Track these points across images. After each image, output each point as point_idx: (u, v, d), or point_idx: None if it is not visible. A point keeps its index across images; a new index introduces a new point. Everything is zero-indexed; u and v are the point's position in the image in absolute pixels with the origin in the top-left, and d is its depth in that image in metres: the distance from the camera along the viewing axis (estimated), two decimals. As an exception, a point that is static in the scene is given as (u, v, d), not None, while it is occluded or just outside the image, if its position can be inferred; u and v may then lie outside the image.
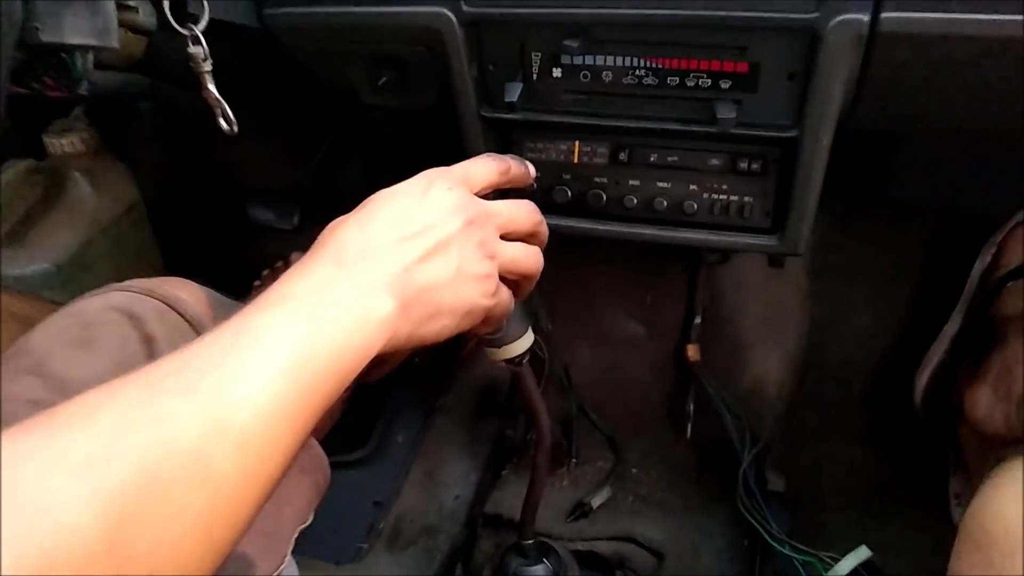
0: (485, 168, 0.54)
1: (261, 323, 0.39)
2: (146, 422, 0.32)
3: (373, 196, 0.49)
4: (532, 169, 0.59)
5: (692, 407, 1.11)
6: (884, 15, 0.57)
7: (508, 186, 0.57)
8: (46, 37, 0.51)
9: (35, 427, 0.31)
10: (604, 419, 1.15)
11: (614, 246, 1.12)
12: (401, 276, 0.45)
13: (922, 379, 1.10)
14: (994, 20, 0.55)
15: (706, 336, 1.13)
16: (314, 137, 1.28)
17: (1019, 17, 0.54)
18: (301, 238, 1.23)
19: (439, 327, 0.48)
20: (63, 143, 1.17)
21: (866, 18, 0.57)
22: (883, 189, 1.08)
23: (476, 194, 0.52)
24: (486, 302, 0.50)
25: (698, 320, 1.13)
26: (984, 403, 0.97)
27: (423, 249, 0.46)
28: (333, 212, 0.49)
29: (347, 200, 0.50)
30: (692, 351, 1.12)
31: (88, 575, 0.29)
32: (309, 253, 0.46)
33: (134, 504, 0.30)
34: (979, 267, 1.13)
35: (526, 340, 0.64)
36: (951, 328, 1.11)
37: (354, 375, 0.41)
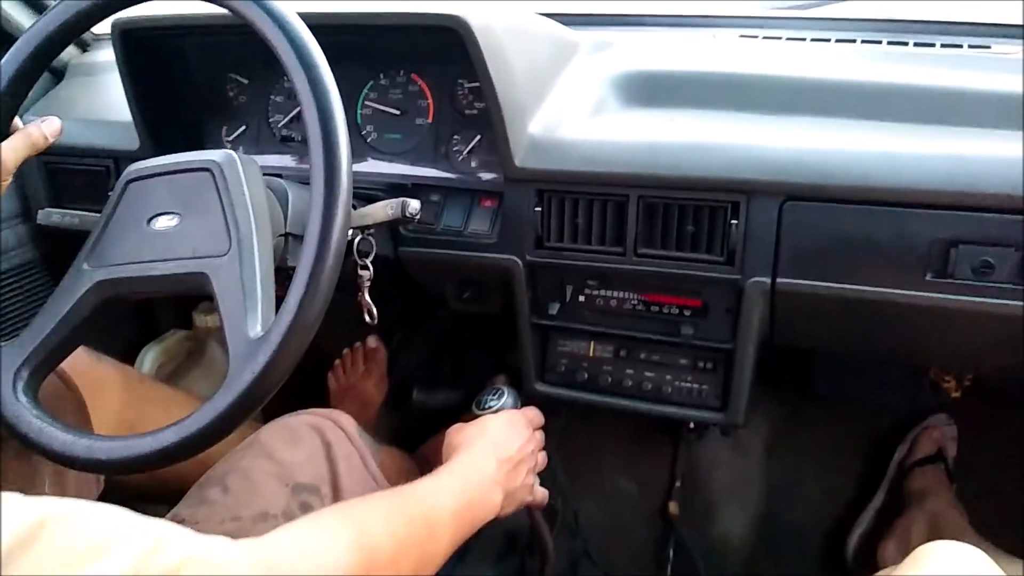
0: (536, 415, 1.02)
1: (446, 482, 0.79)
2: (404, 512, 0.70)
3: (486, 419, 0.96)
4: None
5: (672, 552, 1.41)
6: (779, 280, 0.95)
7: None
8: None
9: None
10: (604, 559, 1.45)
11: (617, 421, 1.48)
12: (504, 478, 0.86)
13: (853, 539, 1.41)
14: (843, 288, 0.93)
15: (685, 496, 1.45)
16: (391, 327, 1.68)
17: (853, 286, 0.92)
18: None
19: (510, 508, 0.89)
20: (207, 319, 1.57)
21: (768, 280, 0.96)
22: (813, 388, 1.45)
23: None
24: (529, 497, 0.94)
25: (678, 483, 1.46)
26: (890, 556, 1.28)
27: (514, 463, 0.90)
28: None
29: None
30: (673, 507, 1.44)
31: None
32: (456, 447, 0.90)
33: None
34: (898, 456, 1.47)
35: None
36: (877, 500, 1.44)
37: (479, 525, 0.81)
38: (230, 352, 0.71)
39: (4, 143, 0.82)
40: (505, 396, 1.02)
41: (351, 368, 1.65)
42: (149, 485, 1.04)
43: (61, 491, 0.91)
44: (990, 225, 0.84)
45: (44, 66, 0.86)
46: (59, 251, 0.84)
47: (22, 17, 1.27)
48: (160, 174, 0.83)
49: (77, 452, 0.72)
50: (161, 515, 0.81)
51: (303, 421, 0.94)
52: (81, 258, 0.82)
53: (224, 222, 0.78)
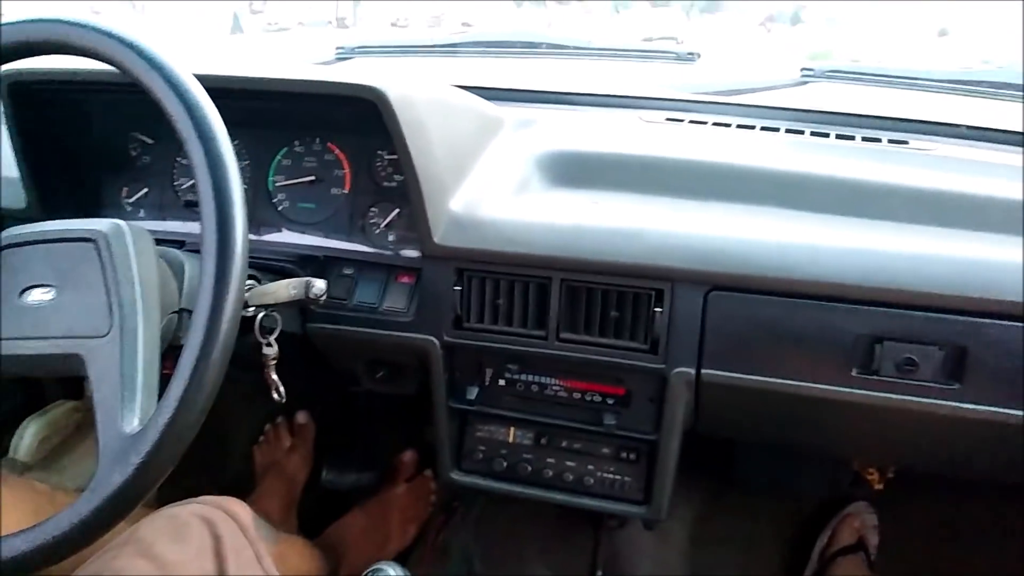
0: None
1: None
2: None
3: None
4: None
5: (592, 648, 1.34)
6: (703, 371, 0.92)
7: None
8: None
9: None
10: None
11: (537, 508, 1.42)
12: None
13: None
14: (768, 381, 0.90)
15: (606, 587, 1.39)
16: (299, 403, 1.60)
17: (778, 380, 0.90)
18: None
19: None
20: (100, 389, 1.45)
21: (692, 371, 0.93)
22: (732, 475, 1.42)
23: None
24: None
25: (599, 574, 1.40)
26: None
27: None
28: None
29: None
30: (594, 599, 1.37)
31: None
32: None
33: None
34: (819, 545, 1.45)
35: None
36: (800, 590, 1.40)
37: None
38: (100, 448, 0.63)
39: None
40: None
41: (276, 443, 1.58)
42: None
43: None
44: (913, 322, 0.83)
45: None
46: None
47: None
48: (38, 242, 0.76)
49: None
50: None
51: (192, 512, 0.85)
52: None
53: (107, 299, 0.70)
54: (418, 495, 1.52)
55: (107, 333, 0.68)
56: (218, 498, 0.89)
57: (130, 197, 1.12)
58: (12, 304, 0.73)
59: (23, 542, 0.62)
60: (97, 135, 1.11)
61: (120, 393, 0.65)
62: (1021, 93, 1.11)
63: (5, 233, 0.77)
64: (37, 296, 0.73)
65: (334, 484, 1.56)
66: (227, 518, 0.86)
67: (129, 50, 0.68)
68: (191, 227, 1.09)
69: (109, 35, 0.68)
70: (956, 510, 1.43)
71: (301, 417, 1.60)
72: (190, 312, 0.84)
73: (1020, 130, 1.05)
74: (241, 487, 1.45)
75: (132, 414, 0.64)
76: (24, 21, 0.69)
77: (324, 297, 0.81)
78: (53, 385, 1.48)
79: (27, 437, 1.35)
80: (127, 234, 0.74)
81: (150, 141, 1.12)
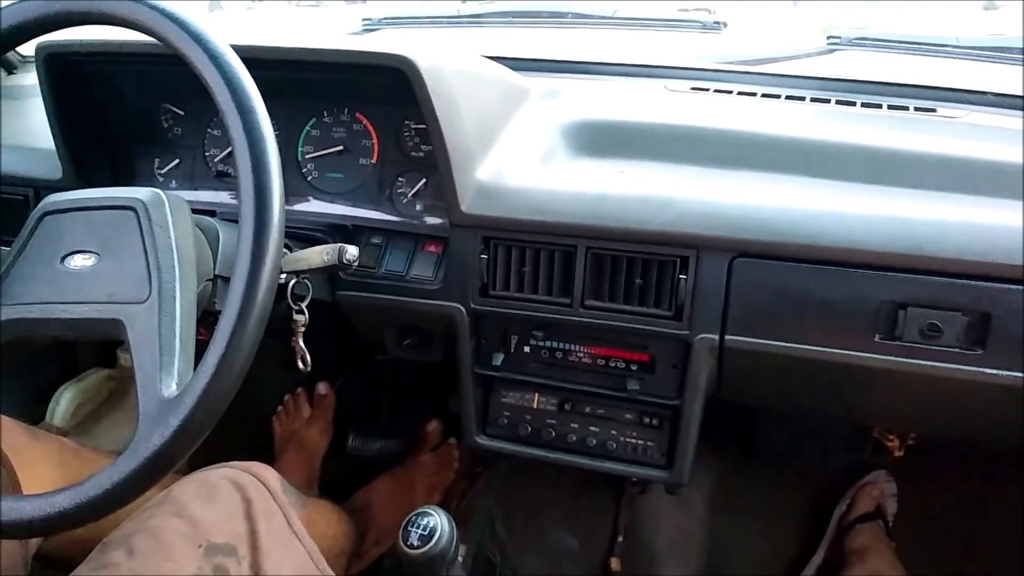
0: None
1: None
2: None
3: None
4: None
5: (614, 610, 1.37)
6: (727, 337, 0.93)
7: None
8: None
9: None
10: (543, 617, 1.39)
11: (559, 474, 1.44)
12: None
13: (794, 598, 1.38)
14: (792, 347, 0.92)
15: (627, 551, 1.41)
16: (327, 372, 1.63)
17: (802, 346, 0.91)
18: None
19: None
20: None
21: (716, 337, 0.94)
22: (756, 445, 1.43)
23: None
24: None
25: (620, 538, 1.42)
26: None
27: None
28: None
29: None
30: (615, 563, 1.40)
31: None
32: None
33: None
34: (838, 512, 1.47)
35: None
36: (817, 558, 1.43)
37: None
38: (140, 411, 0.65)
39: None
40: (438, 528, 0.83)
41: (295, 413, 1.60)
42: (64, 545, 0.96)
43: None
44: (938, 288, 0.83)
45: None
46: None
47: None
48: (79, 209, 0.78)
49: None
50: None
51: (222, 475, 0.87)
52: None
53: (146, 267, 0.72)
54: (443, 462, 1.54)
55: (146, 299, 0.70)
56: (247, 463, 0.92)
57: (162, 168, 1.14)
58: (54, 269, 0.75)
59: (65, 499, 0.64)
60: (130, 107, 1.13)
61: (159, 358, 0.67)
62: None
63: (47, 200, 0.79)
64: (78, 262, 0.75)
65: (360, 451, 1.58)
66: (256, 482, 0.89)
67: (171, 22, 0.69)
68: (222, 197, 1.11)
69: (152, 7, 0.69)
70: (975, 481, 1.44)
71: (321, 388, 1.62)
72: (224, 279, 0.86)
73: (1049, 98, 1.05)
74: (263, 456, 1.49)
75: (170, 378, 0.66)
76: None
77: (356, 263, 0.83)
78: (87, 353, 1.51)
79: (63, 403, 1.39)
80: (166, 203, 0.76)
81: (181, 113, 1.14)
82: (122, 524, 0.82)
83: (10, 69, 1.37)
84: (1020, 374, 0.83)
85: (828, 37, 1.25)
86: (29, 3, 0.71)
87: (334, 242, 0.97)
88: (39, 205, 0.79)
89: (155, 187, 0.79)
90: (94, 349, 1.51)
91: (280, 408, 1.62)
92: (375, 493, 1.46)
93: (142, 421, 0.64)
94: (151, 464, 0.62)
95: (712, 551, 1.45)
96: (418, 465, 1.53)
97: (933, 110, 1.07)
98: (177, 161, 1.14)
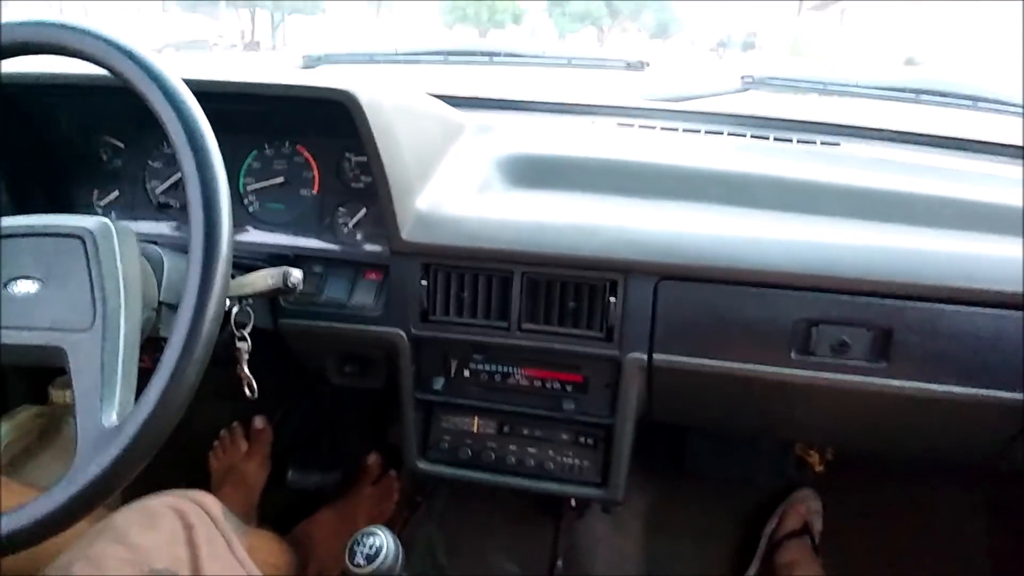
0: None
1: None
2: None
3: None
4: None
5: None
6: (655, 355, 0.99)
7: None
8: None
9: None
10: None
11: (499, 500, 1.47)
12: None
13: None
14: (715, 364, 0.97)
15: (566, 575, 1.44)
16: (266, 403, 1.62)
17: (724, 363, 0.96)
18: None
19: None
20: (64, 394, 1.46)
21: (645, 356, 0.99)
22: (687, 465, 1.49)
23: None
24: None
25: (560, 563, 1.45)
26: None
27: None
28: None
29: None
30: (553, 587, 1.43)
31: None
32: None
33: None
34: (767, 530, 1.52)
35: None
36: (750, 573, 1.48)
37: None
38: (79, 439, 0.65)
39: None
40: (384, 547, 0.84)
41: (232, 448, 1.58)
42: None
43: None
44: (845, 306, 0.90)
45: None
46: None
47: None
48: (25, 235, 0.78)
49: None
50: None
51: (163, 503, 0.88)
52: None
53: (91, 295, 0.73)
54: (383, 494, 1.55)
55: (90, 327, 0.71)
56: (188, 491, 0.93)
57: (101, 200, 1.15)
58: None
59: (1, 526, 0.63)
60: (69, 139, 1.13)
61: (100, 387, 0.67)
62: (938, 98, 1.21)
63: None
64: (23, 287, 0.75)
65: (300, 484, 1.58)
66: (197, 508, 0.90)
67: (125, 57, 0.70)
68: (163, 228, 1.12)
69: (107, 41, 0.70)
70: (894, 493, 1.52)
71: (258, 422, 1.60)
72: (169, 306, 0.87)
73: (938, 133, 1.15)
74: (201, 487, 1.47)
75: (111, 408, 0.66)
76: (23, 23, 0.72)
77: (301, 287, 0.85)
78: (15, 390, 1.48)
79: (-7, 440, 1.35)
80: (113, 233, 0.77)
81: (120, 145, 1.15)
82: (61, 554, 0.82)
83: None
84: (921, 384, 0.91)
85: (743, 77, 1.34)
86: None
87: (276, 270, 1.00)
88: None
89: None
90: (24, 384, 1.48)
91: (216, 443, 1.60)
92: (316, 526, 1.46)
93: (81, 449, 0.65)
94: (89, 492, 0.63)
95: (649, 571, 1.49)
96: (359, 497, 1.54)
97: (837, 144, 1.16)
98: (117, 193, 1.15)
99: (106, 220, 0.78)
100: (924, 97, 1.22)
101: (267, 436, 1.61)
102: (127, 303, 0.74)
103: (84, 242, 0.75)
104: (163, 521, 0.85)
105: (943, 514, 1.48)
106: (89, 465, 0.63)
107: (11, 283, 0.76)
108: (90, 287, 0.73)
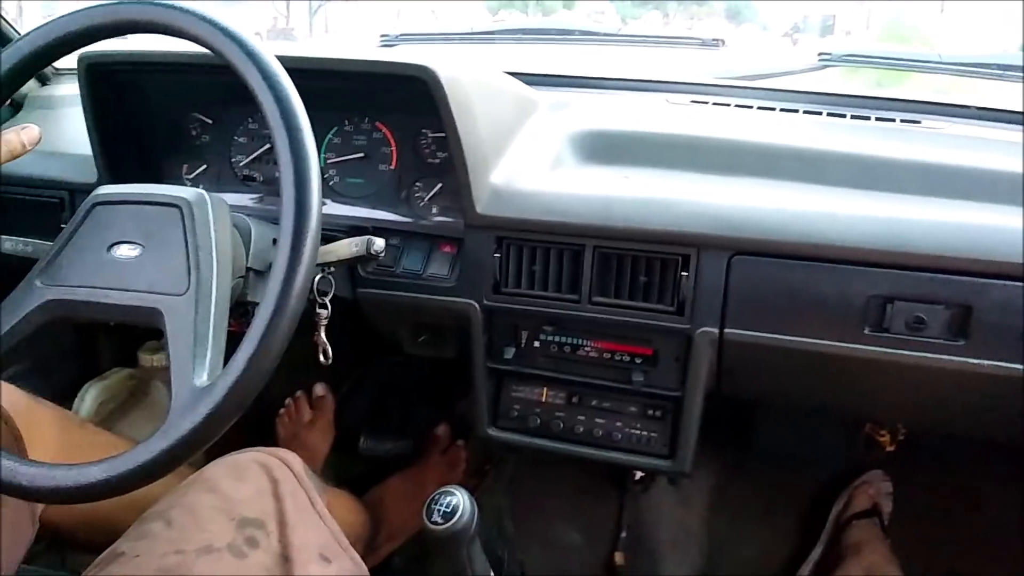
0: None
1: None
2: None
3: None
4: None
5: (617, 603, 1.42)
6: (727, 330, 0.99)
7: None
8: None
9: None
10: (549, 610, 1.44)
11: (565, 471, 1.50)
12: None
13: (793, 593, 1.43)
14: (786, 339, 0.97)
15: (630, 547, 1.46)
16: (340, 373, 1.68)
17: (796, 338, 0.96)
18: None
19: None
20: (152, 359, 1.54)
21: (716, 331, 1.00)
22: (754, 442, 1.49)
23: None
24: None
25: (624, 534, 1.47)
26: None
27: None
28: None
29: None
30: (619, 557, 1.45)
31: None
32: None
33: None
34: (835, 510, 1.51)
35: None
36: (815, 554, 1.47)
37: None
38: (173, 396, 0.70)
39: None
40: (460, 506, 0.87)
41: (297, 416, 1.64)
42: (84, 527, 1.01)
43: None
44: (922, 283, 0.89)
45: (35, 71, 0.84)
46: (4, 282, 0.83)
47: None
48: (128, 202, 0.83)
49: None
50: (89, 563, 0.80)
51: (250, 458, 0.93)
52: (34, 274, 0.81)
53: (186, 261, 0.77)
54: (451, 463, 1.60)
55: (184, 292, 0.75)
56: (272, 448, 0.98)
57: (190, 173, 1.21)
58: (101, 257, 0.80)
59: (100, 471, 0.68)
60: (160, 116, 1.19)
61: (193, 348, 0.72)
62: (1022, 74, 1.17)
63: (99, 191, 0.84)
64: (124, 252, 0.80)
65: (372, 451, 1.64)
66: (282, 464, 0.94)
67: (227, 38, 0.74)
68: (246, 200, 1.17)
69: (208, 21, 0.75)
70: (965, 476, 1.49)
71: (319, 389, 1.65)
72: (257, 272, 0.92)
73: (1020, 110, 1.12)
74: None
75: (203, 369, 0.71)
76: (126, 2, 0.77)
77: (383, 253, 0.89)
78: (108, 354, 1.57)
79: (88, 400, 1.44)
80: (208, 203, 0.81)
81: (209, 121, 1.20)
82: (158, 500, 0.88)
83: (44, 81, 1.44)
84: (1000, 363, 0.89)
85: (819, 54, 1.32)
86: (96, 9, 0.78)
87: (356, 243, 1.04)
88: (91, 195, 0.84)
89: None
90: (115, 349, 1.56)
91: (282, 411, 1.66)
92: (387, 492, 1.51)
93: (174, 406, 0.69)
94: (179, 447, 0.67)
95: (712, 547, 1.50)
96: (428, 465, 1.58)
97: (918, 122, 1.14)
98: (204, 167, 1.20)
99: (202, 191, 0.83)
100: (1009, 74, 1.19)
101: (328, 403, 1.66)
102: (219, 271, 0.78)
103: (181, 211, 0.80)
104: (251, 474, 0.90)
105: (1013, 503, 1.44)
106: (182, 421, 0.67)
107: (114, 247, 0.81)
108: (186, 254, 0.78)
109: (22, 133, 0.83)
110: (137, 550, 0.79)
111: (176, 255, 0.78)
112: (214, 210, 0.82)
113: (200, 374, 0.70)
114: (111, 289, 0.78)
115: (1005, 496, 1.46)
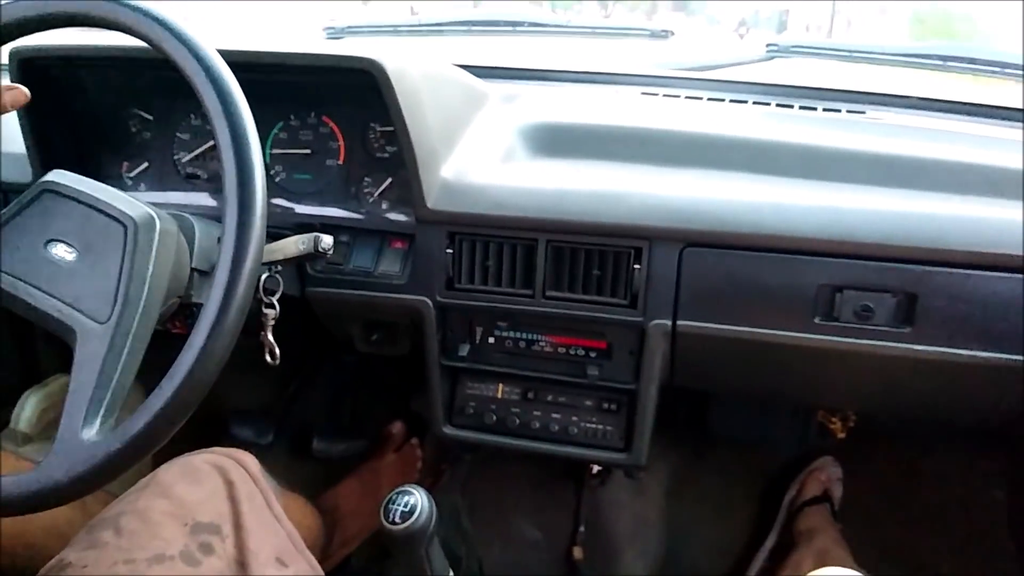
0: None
1: None
2: None
3: None
4: None
5: (576, 597, 1.42)
6: (679, 322, 1.00)
7: None
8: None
9: None
10: (508, 607, 1.44)
11: (522, 467, 1.49)
12: None
13: (748, 580, 1.45)
14: (738, 330, 0.98)
15: (588, 541, 1.46)
16: (289, 373, 1.65)
17: (748, 328, 0.97)
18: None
19: None
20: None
21: (669, 323, 1.00)
22: (706, 430, 1.50)
23: None
24: None
25: (582, 528, 1.47)
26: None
27: None
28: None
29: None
30: (577, 552, 1.45)
31: None
32: None
33: None
34: (788, 497, 1.54)
35: None
36: (770, 541, 1.49)
37: None
38: (57, 439, 0.67)
39: None
40: (418, 505, 0.85)
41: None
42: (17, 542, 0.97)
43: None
44: (869, 272, 0.91)
45: None
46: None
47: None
48: (79, 202, 0.78)
49: None
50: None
51: (204, 460, 0.90)
52: None
53: (116, 287, 0.74)
54: (406, 462, 1.58)
55: (105, 322, 0.71)
56: (227, 449, 0.95)
57: (131, 172, 1.17)
58: (37, 251, 0.76)
59: (58, 472, 0.66)
60: (99, 112, 1.15)
61: (92, 392, 0.68)
62: (965, 65, 1.20)
63: (55, 174, 0.80)
64: (60, 252, 0.76)
65: (324, 453, 1.61)
66: (237, 466, 0.92)
67: (165, 31, 0.71)
68: (191, 198, 1.13)
69: (140, 11, 0.72)
70: (914, 461, 1.52)
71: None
72: (200, 272, 0.90)
73: (964, 100, 1.14)
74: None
75: (95, 419, 0.67)
76: None
77: (331, 251, 0.87)
78: (51, 358, 1.51)
79: (27, 409, 1.38)
80: (156, 230, 0.77)
81: (149, 117, 1.16)
82: (108, 506, 0.85)
83: (-27, 77, 1.38)
84: (945, 348, 0.91)
85: (767, 45, 1.34)
86: (22, 3, 0.74)
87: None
88: (45, 178, 0.79)
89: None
90: (57, 354, 1.51)
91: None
92: (342, 495, 1.49)
93: (54, 450, 0.66)
94: (43, 496, 0.65)
95: (670, 537, 1.51)
96: (383, 465, 1.56)
97: (863, 112, 1.16)
98: (146, 164, 1.16)
99: (155, 215, 0.78)
100: (951, 64, 1.21)
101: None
102: (146, 306, 0.75)
103: (126, 232, 0.76)
104: (205, 477, 0.87)
105: (963, 482, 1.48)
106: (54, 472, 0.65)
107: (51, 243, 0.76)
108: (118, 278, 0.74)
109: (7, 94, 0.80)
110: (85, 560, 0.76)
111: (108, 276, 0.74)
112: (160, 239, 0.78)
113: (91, 424, 0.67)
114: (36, 289, 0.74)
115: (953, 478, 1.49)
